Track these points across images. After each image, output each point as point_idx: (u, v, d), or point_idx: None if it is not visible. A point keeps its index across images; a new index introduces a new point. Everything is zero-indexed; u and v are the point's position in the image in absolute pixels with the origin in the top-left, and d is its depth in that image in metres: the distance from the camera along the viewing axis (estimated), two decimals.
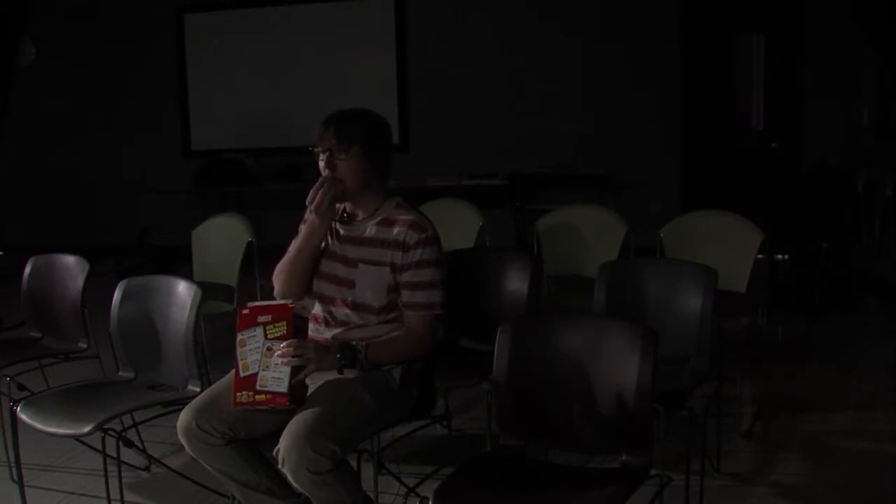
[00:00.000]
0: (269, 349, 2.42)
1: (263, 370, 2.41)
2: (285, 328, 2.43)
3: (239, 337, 2.46)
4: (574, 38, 7.62)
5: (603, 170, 7.38)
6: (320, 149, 2.55)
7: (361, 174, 2.55)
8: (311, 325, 2.67)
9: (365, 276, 2.55)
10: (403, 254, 2.53)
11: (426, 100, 7.98)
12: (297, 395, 2.42)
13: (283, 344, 2.39)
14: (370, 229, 2.59)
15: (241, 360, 2.44)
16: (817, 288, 5.30)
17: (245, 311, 2.49)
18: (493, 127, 7.75)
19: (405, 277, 2.54)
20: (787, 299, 5.32)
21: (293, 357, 2.37)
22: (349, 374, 2.48)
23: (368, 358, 2.47)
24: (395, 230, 2.55)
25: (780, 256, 5.40)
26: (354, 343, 2.48)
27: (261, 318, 2.45)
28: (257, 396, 2.41)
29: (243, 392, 2.42)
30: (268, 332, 2.43)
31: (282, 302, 2.52)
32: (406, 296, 2.56)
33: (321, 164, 2.56)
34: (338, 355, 2.44)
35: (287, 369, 2.38)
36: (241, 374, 2.43)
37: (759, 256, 3.88)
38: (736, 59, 7.48)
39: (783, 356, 4.77)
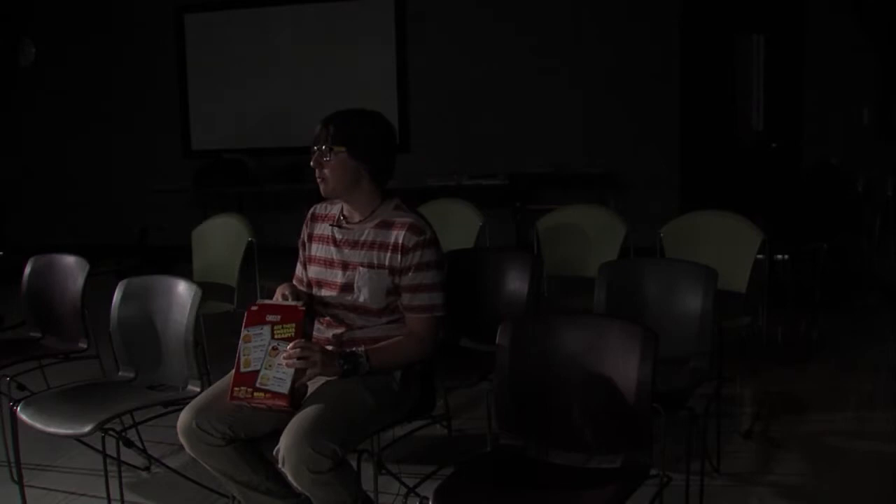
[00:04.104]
0: (274, 349, 2.40)
1: (266, 369, 2.40)
2: (293, 330, 2.41)
3: (245, 332, 2.44)
4: (574, 37, 7.62)
5: (603, 170, 7.39)
6: (316, 147, 2.57)
7: (346, 175, 2.55)
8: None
9: (363, 279, 2.55)
10: (402, 256, 2.53)
11: (426, 100, 7.97)
12: (296, 398, 2.41)
13: (290, 345, 2.38)
14: (367, 232, 2.59)
15: (244, 355, 2.42)
16: (817, 288, 5.30)
17: (254, 308, 2.47)
18: (493, 127, 7.75)
19: (404, 280, 2.54)
20: (787, 299, 5.31)
21: (298, 359, 2.36)
22: None
23: (371, 363, 2.46)
24: (393, 233, 2.55)
25: (780, 256, 5.39)
26: (356, 350, 2.48)
27: (270, 317, 2.44)
28: (256, 394, 2.39)
29: (241, 387, 2.40)
30: (275, 332, 2.42)
31: (293, 304, 2.50)
32: (406, 299, 2.55)
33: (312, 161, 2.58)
34: (341, 360, 2.43)
35: (291, 371, 2.37)
36: (242, 370, 2.42)
37: (759, 256, 3.88)
38: (736, 59, 7.48)
39: (783, 356, 4.77)
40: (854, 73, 7.09)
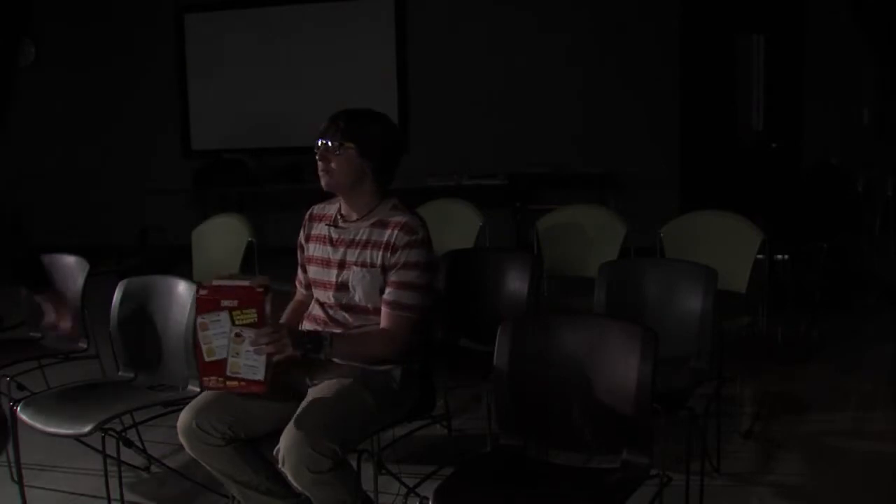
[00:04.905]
0: (237, 335, 2.31)
1: (233, 356, 2.32)
2: (256, 316, 2.30)
3: (200, 320, 2.32)
4: (574, 37, 7.62)
5: (603, 169, 7.38)
6: (323, 141, 2.56)
7: (351, 172, 2.55)
8: (310, 325, 2.66)
9: (357, 278, 2.56)
10: (391, 254, 2.53)
11: (426, 99, 7.97)
12: (268, 379, 2.35)
13: (257, 333, 2.30)
14: (363, 231, 2.59)
15: (205, 344, 2.33)
16: (817, 288, 5.30)
17: (203, 293, 2.33)
18: (493, 127, 7.75)
19: (390, 276, 2.54)
20: (787, 299, 5.31)
21: (268, 344, 2.31)
22: (349, 374, 2.47)
23: (334, 347, 2.43)
24: (387, 232, 2.55)
25: (780, 256, 5.39)
26: (322, 333, 2.46)
27: (225, 303, 2.30)
28: (229, 382, 2.35)
29: (212, 377, 2.35)
30: (235, 319, 2.30)
31: (247, 284, 2.35)
32: (386, 294, 2.55)
33: (316, 156, 2.58)
34: (306, 340, 2.41)
35: (262, 357, 2.32)
36: (207, 359, 2.34)
37: (759, 256, 3.88)
38: (736, 59, 7.48)
39: (783, 356, 4.77)
40: (854, 73, 7.09)
